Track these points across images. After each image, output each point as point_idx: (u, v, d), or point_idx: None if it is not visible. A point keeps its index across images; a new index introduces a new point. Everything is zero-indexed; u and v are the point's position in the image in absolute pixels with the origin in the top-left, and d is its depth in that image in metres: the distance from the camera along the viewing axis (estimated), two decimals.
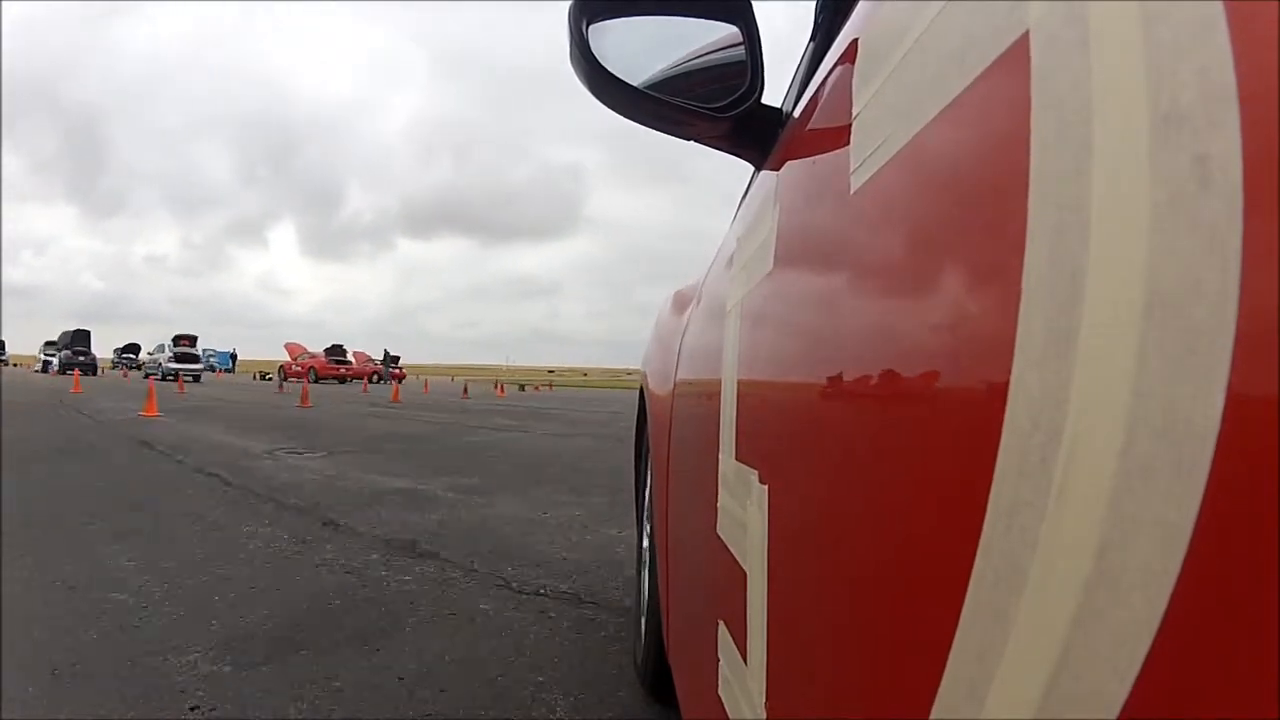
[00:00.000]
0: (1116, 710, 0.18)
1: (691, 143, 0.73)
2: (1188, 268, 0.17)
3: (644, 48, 0.75)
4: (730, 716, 0.58)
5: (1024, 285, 0.23)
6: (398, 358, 40.64)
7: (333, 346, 35.33)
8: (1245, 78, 0.16)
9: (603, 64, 0.69)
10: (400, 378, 37.46)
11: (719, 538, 0.65)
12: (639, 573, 1.68)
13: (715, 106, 0.70)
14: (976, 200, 0.28)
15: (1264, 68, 0.16)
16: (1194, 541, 0.16)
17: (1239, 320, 0.16)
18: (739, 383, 0.63)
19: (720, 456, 0.67)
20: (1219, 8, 0.17)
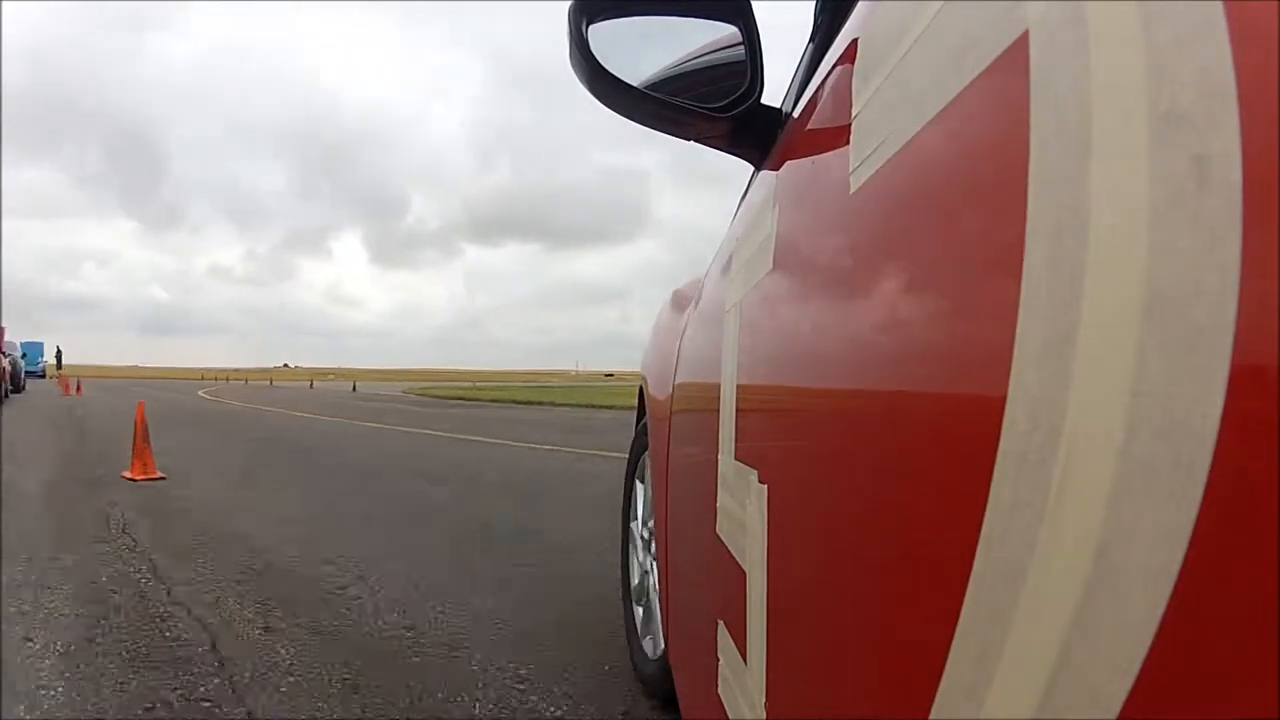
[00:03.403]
0: (1116, 710, 0.18)
1: (692, 143, 0.73)
2: (1187, 267, 0.17)
3: (644, 48, 0.75)
4: (730, 716, 0.58)
5: (1023, 285, 0.23)
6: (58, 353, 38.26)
7: None
8: (1245, 78, 0.16)
9: (603, 64, 0.69)
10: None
11: (718, 537, 0.65)
12: (626, 580, 1.68)
13: (715, 106, 0.70)
14: (976, 200, 0.28)
15: (1264, 68, 0.16)
16: (1194, 541, 0.16)
17: (1239, 320, 0.16)
18: (738, 382, 0.63)
19: (719, 456, 0.67)
20: (1219, 8, 0.17)
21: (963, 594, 0.24)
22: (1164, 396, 0.17)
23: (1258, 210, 0.16)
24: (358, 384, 36.65)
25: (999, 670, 0.22)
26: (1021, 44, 0.24)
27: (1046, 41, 0.23)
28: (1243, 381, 0.15)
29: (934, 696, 0.25)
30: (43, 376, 31.42)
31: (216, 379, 54.91)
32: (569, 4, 0.71)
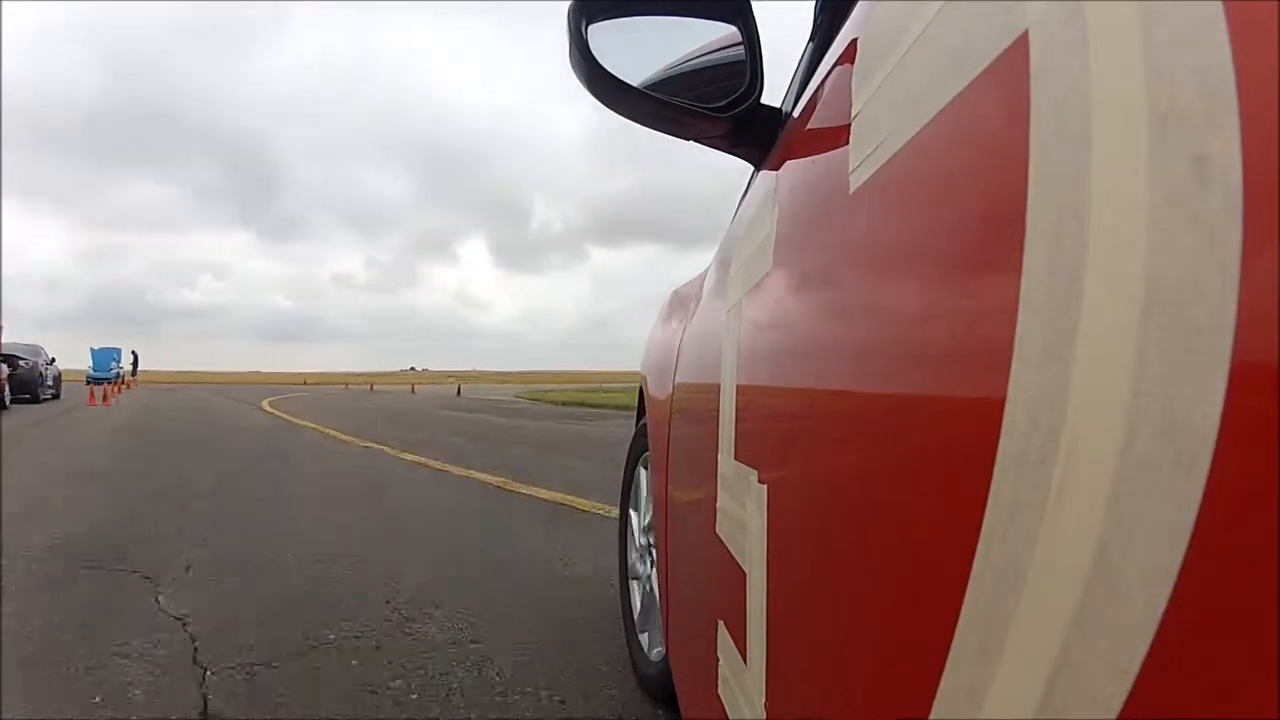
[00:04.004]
0: (1116, 710, 0.18)
1: (692, 143, 0.73)
2: (1187, 267, 0.17)
3: (644, 48, 0.75)
4: (730, 716, 0.58)
5: (1023, 285, 0.23)
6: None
7: None
8: (1244, 77, 0.16)
9: (602, 64, 0.69)
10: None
11: (718, 538, 0.65)
12: (624, 577, 1.68)
13: (715, 106, 0.70)
14: (976, 200, 0.28)
15: (1263, 68, 0.16)
16: (1194, 541, 0.16)
17: (1239, 320, 0.16)
18: (738, 382, 0.63)
19: (719, 456, 0.67)
20: (1218, 8, 0.17)
21: (963, 594, 0.24)
22: (1164, 396, 0.17)
23: (1258, 210, 0.16)
24: (462, 387, 32.36)
25: (999, 670, 0.22)
26: (1021, 44, 0.24)
27: (1046, 41, 0.23)
28: (1243, 381, 0.15)
29: (934, 696, 0.25)
30: (117, 382, 29.34)
31: (305, 383, 53.36)
32: (569, 4, 0.71)
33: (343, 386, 41.06)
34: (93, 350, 35.40)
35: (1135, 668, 0.17)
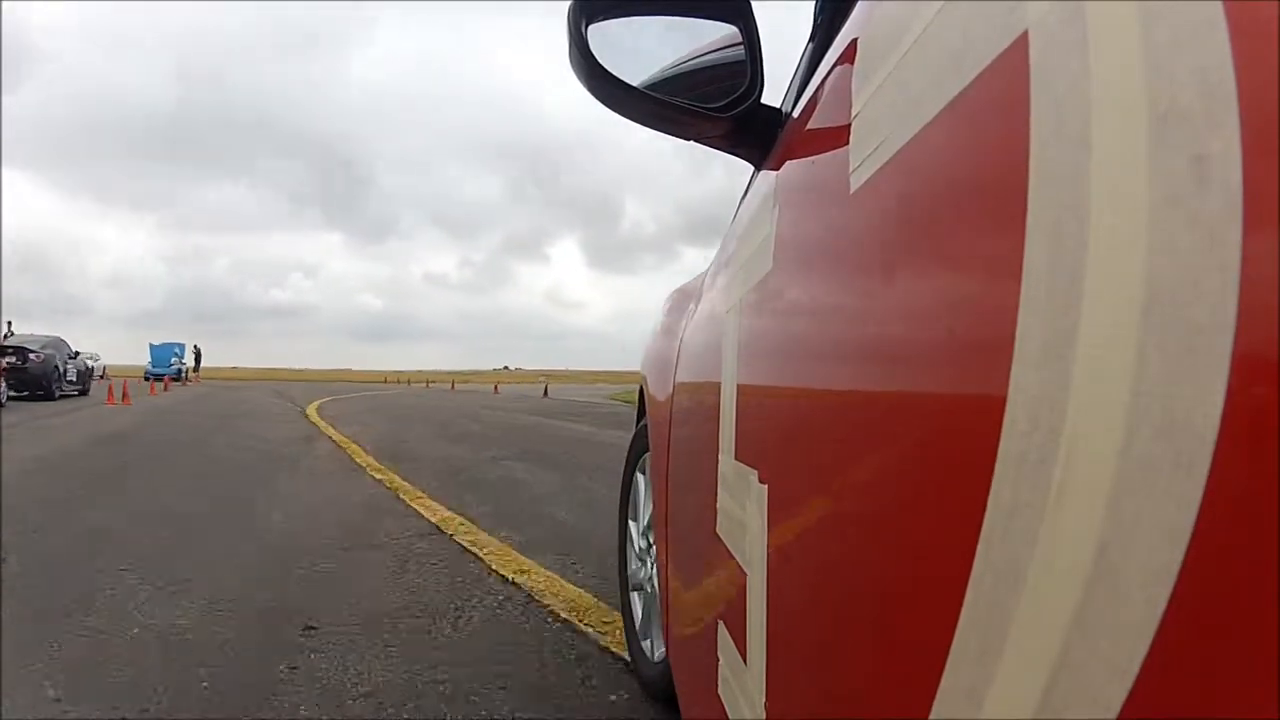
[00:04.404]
0: (1116, 710, 0.18)
1: (691, 143, 0.73)
2: (1187, 267, 0.17)
3: (644, 48, 0.75)
4: (730, 716, 0.58)
5: (1023, 285, 0.23)
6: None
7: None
8: (1244, 77, 0.16)
9: (602, 64, 0.69)
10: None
11: (719, 538, 0.65)
12: (624, 578, 1.67)
13: (715, 106, 0.70)
14: (976, 200, 0.28)
15: (1264, 68, 0.16)
16: (1194, 541, 0.16)
17: (1239, 320, 0.16)
18: (738, 382, 0.63)
19: (720, 456, 0.67)
20: (1218, 8, 0.17)
21: (963, 594, 0.24)
22: (1164, 396, 0.17)
23: (1258, 210, 0.16)
24: (551, 387, 27.61)
25: (999, 670, 0.22)
26: (1021, 44, 0.24)
27: (1046, 41, 0.23)
28: (1243, 382, 0.15)
29: (934, 696, 0.25)
30: (180, 378, 27.99)
31: (385, 381, 49.62)
32: (569, 4, 0.71)
33: (423, 385, 37.85)
34: (152, 346, 33.04)
35: (1135, 668, 0.17)
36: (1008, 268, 0.23)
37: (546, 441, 6.78)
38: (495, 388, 30.11)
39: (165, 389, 19.56)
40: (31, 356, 11.85)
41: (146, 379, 25.47)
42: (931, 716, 0.26)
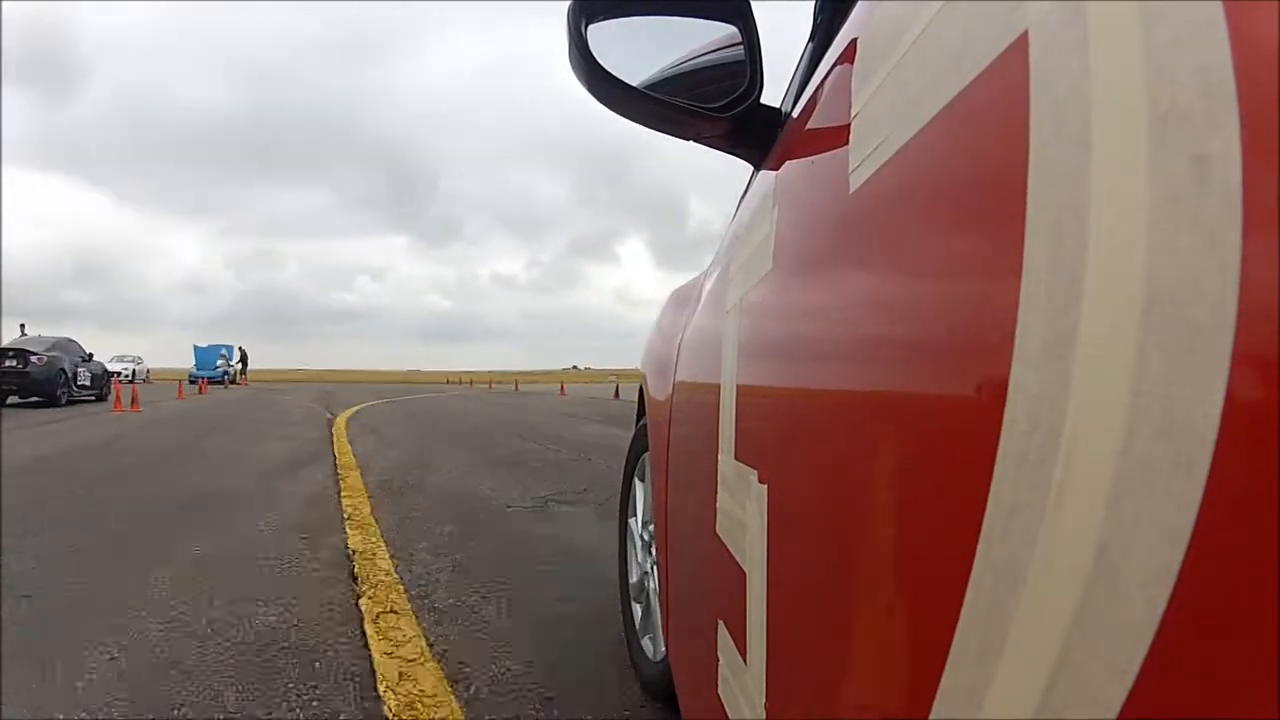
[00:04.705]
0: (1116, 710, 0.18)
1: (691, 143, 0.73)
2: (1187, 268, 0.17)
3: (644, 48, 0.75)
4: (730, 716, 0.58)
5: (1023, 285, 0.23)
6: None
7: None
8: (1244, 78, 0.16)
9: (602, 64, 0.69)
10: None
11: (718, 538, 0.65)
12: (624, 579, 1.67)
13: (715, 106, 0.70)
14: (975, 200, 0.28)
15: (1264, 68, 0.16)
16: (1194, 541, 0.16)
17: (1239, 320, 0.16)
18: (738, 382, 0.63)
19: (719, 456, 0.67)
20: (1219, 8, 0.17)
21: (963, 594, 0.24)
22: (1164, 396, 0.17)
23: (1258, 210, 0.16)
24: (622, 387, 22.51)
25: (999, 670, 0.22)
26: (1021, 44, 0.24)
27: (1046, 41, 0.23)
28: (1243, 381, 0.15)
29: (934, 696, 0.25)
30: (224, 382, 27.12)
31: (447, 382, 47.26)
32: (569, 4, 0.71)
33: (486, 386, 35.46)
34: (196, 348, 31.35)
35: (1135, 668, 0.17)
36: (1008, 268, 0.23)
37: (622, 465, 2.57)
38: (561, 388, 26.34)
39: (201, 392, 18.61)
40: (33, 360, 10.93)
41: (191, 382, 24.47)
42: (931, 716, 0.26)
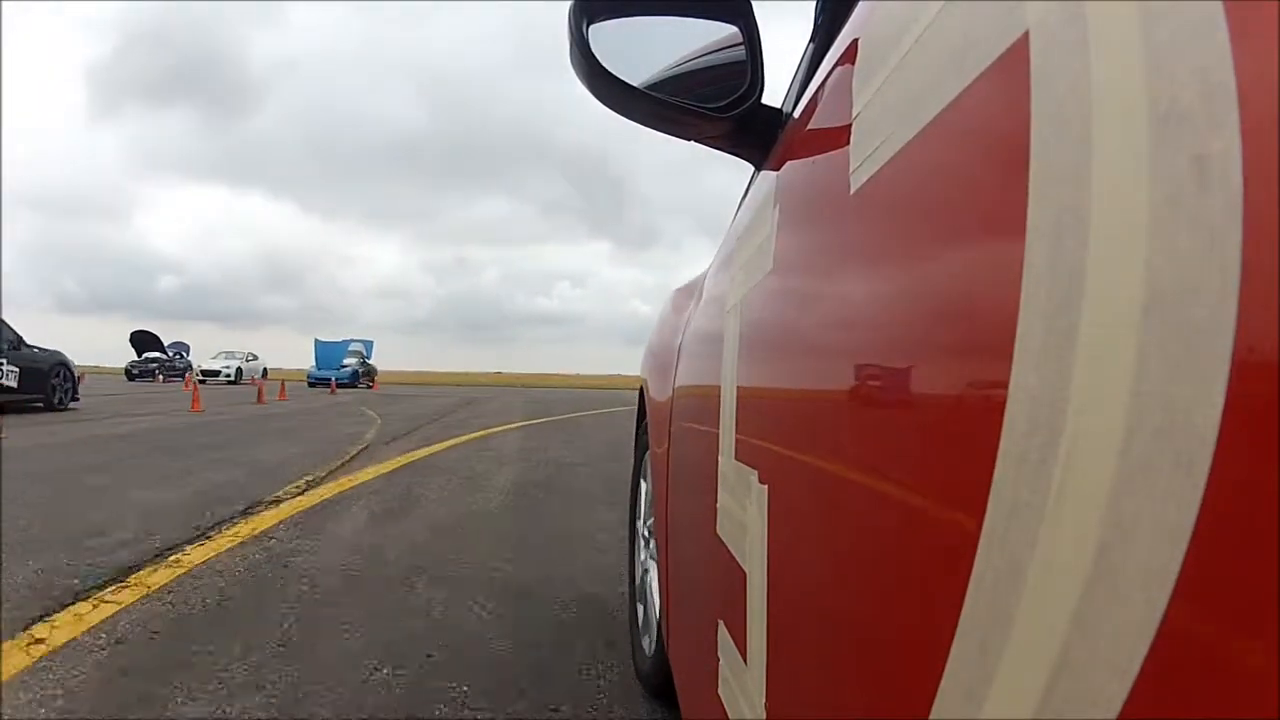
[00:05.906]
0: (1116, 710, 0.18)
1: (692, 143, 0.73)
2: (1187, 268, 0.17)
3: (644, 48, 0.75)
4: (730, 716, 0.58)
5: (1023, 285, 0.23)
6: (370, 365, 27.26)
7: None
8: (1245, 78, 0.16)
9: (602, 64, 0.69)
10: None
11: (719, 538, 0.65)
12: (632, 578, 1.67)
13: (715, 106, 0.70)
14: (976, 200, 0.28)
15: (1264, 68, 0.16)
16: (1194, 541, 0.16)
17: (1239, 320, 0.16)
18: (738, 383, 0.63)
19: (720, 456, 0.67)
20: (1219, 8, 0.17)
21: (963, 594, 0.24)
22: (1164, 396, 0.17)
23: (1258, 210, 0.16)
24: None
25: (999, 670, 0.22)
26: (1021, 44, 0.24)
27: (1046, 41, 0.23)
28: (1243, 381, 0.15)
29: (934, 696, 0.25)
30: (353, 384, 23.45)
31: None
32: (569, 4, 0.71)
33: None
34: (318, 342, 26.00)
35: (1135, 668, 0.17)
36: (1008, 268, 0.23)
37: None
38: None
39: (332, 393, 15.67)
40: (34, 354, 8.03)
41: (311, 385, 21.33)
42: (931, 716, 0.26)
